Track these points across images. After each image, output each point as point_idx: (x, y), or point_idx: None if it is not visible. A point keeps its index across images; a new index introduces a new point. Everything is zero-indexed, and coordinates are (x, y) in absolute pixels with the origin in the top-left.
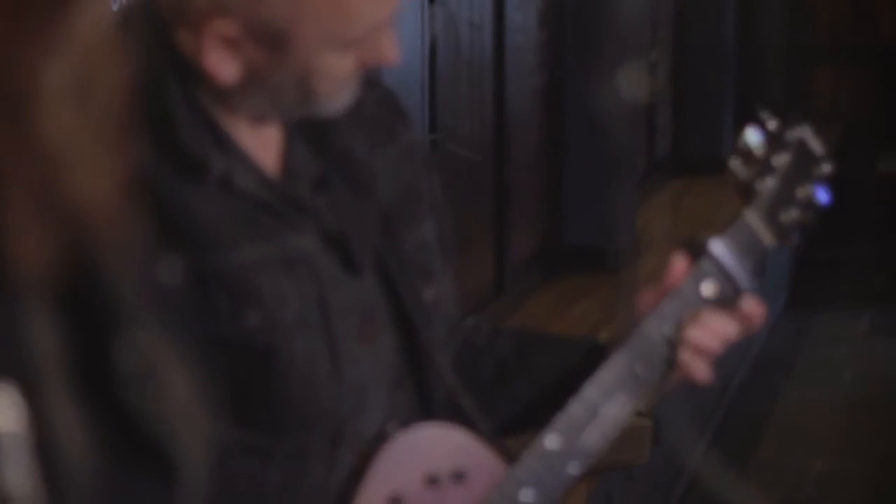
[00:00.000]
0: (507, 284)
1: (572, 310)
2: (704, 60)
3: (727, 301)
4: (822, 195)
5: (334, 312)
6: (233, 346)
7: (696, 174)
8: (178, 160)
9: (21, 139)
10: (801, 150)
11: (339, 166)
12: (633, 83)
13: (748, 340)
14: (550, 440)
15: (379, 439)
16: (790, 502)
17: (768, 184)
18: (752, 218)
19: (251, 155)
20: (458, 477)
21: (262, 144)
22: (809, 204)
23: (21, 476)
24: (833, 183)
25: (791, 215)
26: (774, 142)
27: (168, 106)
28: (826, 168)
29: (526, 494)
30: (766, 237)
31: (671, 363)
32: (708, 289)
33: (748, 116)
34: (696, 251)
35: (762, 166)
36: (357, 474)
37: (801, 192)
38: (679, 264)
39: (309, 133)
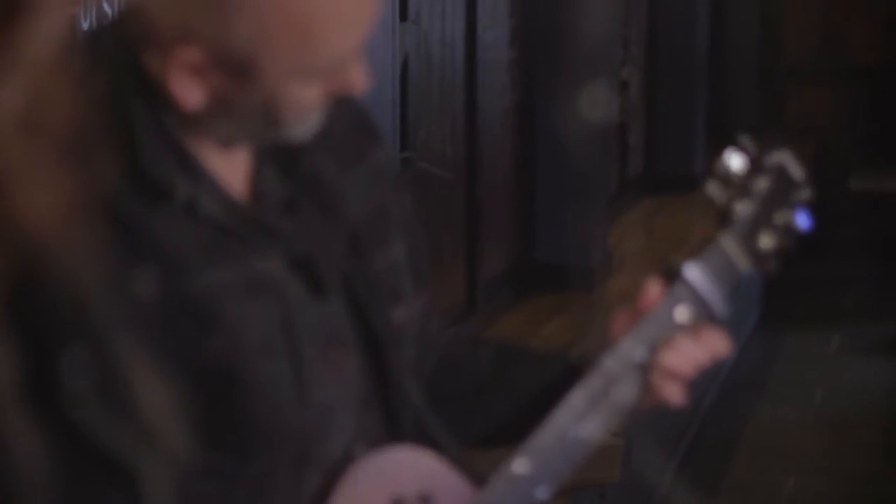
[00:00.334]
0: (478, 302)
1: (544, 328)
2: (676, 79)
3: (701, 326)
4: (802, 220)
5: (300, 336)
6: (195, 370)
7: (667, 192)
8: (142, 184)
9: None
10: (781, 174)
11: (307, 188)
12: (604, 101)
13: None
14: (519, 464)
15: (345, 461)
16: None
17: (745, 208)
18: (728, 243)
19: (219, 178)
20: (425, 500)
21: (231, 168)
22: (788, 229)
23: None
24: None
25: (768, 241)
26: (753, 166)
27: (133, 129)
28: (805, 193)
29: None
30: (742, 263)
31: (643, 387)
32: (681, 314)
33: (720, 135)
34: (671, 275)
35: (740, 190)
36: (323, 496)
37: (779, 218)
38: (653, 288)
39: (278, 155)
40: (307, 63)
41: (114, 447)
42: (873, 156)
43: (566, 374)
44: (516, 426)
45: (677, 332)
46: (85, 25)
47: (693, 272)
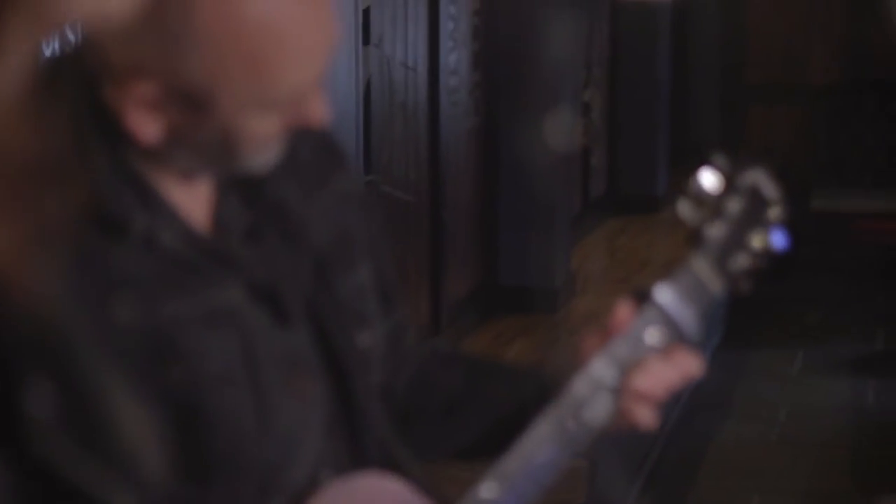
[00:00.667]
0: (442, 324)
1: (508, 349)
2: (638, 100)
3: (672, 347)
4: (779, 240)
5: (262, 365)
6: (156, 402)
7: (630, 213)
8: (100, 217)
9: None
10: (754, 194)
11: (270, 215)
12: (567, 124)
13: None
14: (487, 489)
15: (311, 488)
16: None
17: (718, 229)
18: (700, 264)
19: (179, 210)
20: None
21: (192, 198)
22: (762, 250)
23: None
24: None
25: (741, 262)
26: (726, 185)
27: (91, 161)
28: (780, 213)
29: None
30: (714, 284)
31: (614, 410)
32: (652, 336)
33: (682, 156)
34: (642, 297)
35: (712, 211)
36: None
37: (752, 238)
38: (623, 310)
39: (240, 183)
40: (265, 96)
41: (82, 478)
42: (834, 175)
43: (540, 390)
44: (490, 442)
45: (648, 355)
46: (47, 52)
47: (664, 294)
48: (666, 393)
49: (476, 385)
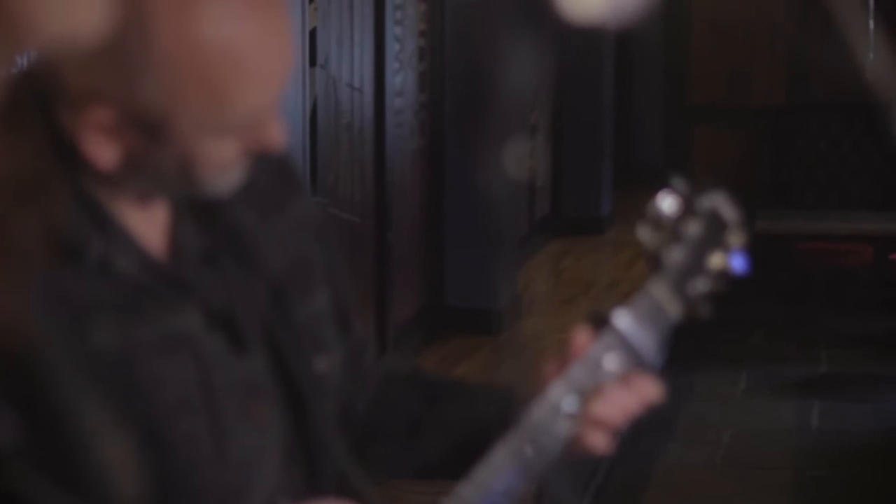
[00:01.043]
0: (388, 346)
1: (454, 371)
2: (583, 122)
3: (631, 373)
4: (738, 263)
5: (218, 392)
6: (116, 428)
7: (575, 234)
8: (55, 242)
9: None
10: (713, 218)
11: (227, 241)
12: (512, 145)
13: None
14: None
15: None
16: None
17: (676, 253)
18: (658, 289)
19: (135, 234)
20: None
21: (148, 223)
22: (721, 273)
23: None
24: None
25: (700, 286)
26: (685, 209)
27: (46, 185)
28: (739, 237)
29: None
30: (673, 309)
31: (571, 436)
32: (611, 362)
33: (625, 177)
34: (600, 323)
35: (671, 235)
36: None
37: (711, 262)
38: (582, 336)
39: (197, 208)
40: (222, 120)
41: None
42: (777, 197)
43: (501, 410)
44: (450, 463)
45: (607, 380)
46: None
47: (623, 320)
48: (624, 419)
49: (437, 406)
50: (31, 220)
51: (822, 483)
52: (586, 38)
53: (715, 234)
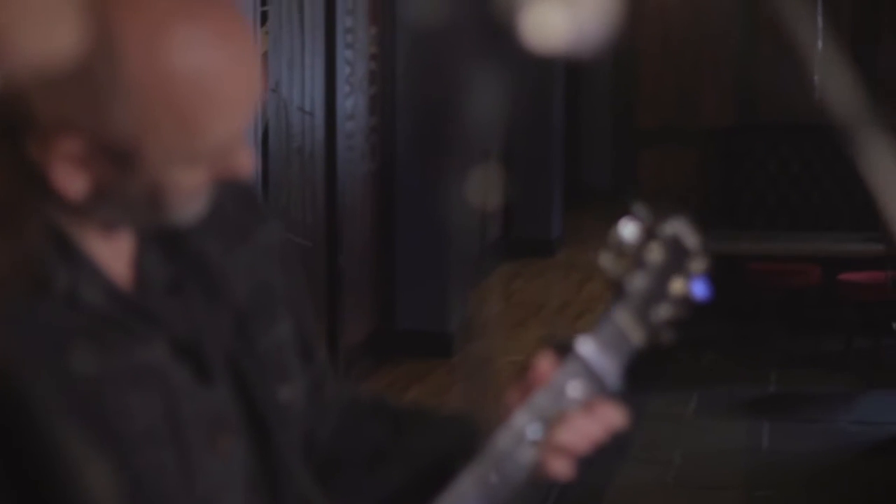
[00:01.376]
0: (339, 370)
1: (406, 395)
2: (532, 144)
3: (595, 400)
4: (699, 290)
5: (184, 423)
6: (78, 461)
7: (525, 257)
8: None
9: None
10: (675, 245)
11: (192, 270)
12: (463, 168)
13: None
14: None
15: None
16: None
17: (639, 281)
18: (621, 316)
19: (101, 264)
20: None
21: (114, 253)
22: (682, 299)
23: None
24: None
25: (662, 312)
26: (647, 236)
27: (12, 215)
28: (700, 263)
29: None
30: (636, 336)
31: (535, 463)
32: (575, 389)
33: (575, 199)
34: (563, 349)
35: (633, 262)
36: None
37: (673, 288)
38: (545, 363)
39: (162, 237)
40: (191, 149)
41: None
42: (727, 218)
43: (466, 439)
44: (415, 492)
45: (571, 407)
46: None
47: (586, 347)
48: (588, 446)
49: (401, 434)
50: (7, 249)
51: (772, 502)
52: (537, 61)
53: (677, 261)
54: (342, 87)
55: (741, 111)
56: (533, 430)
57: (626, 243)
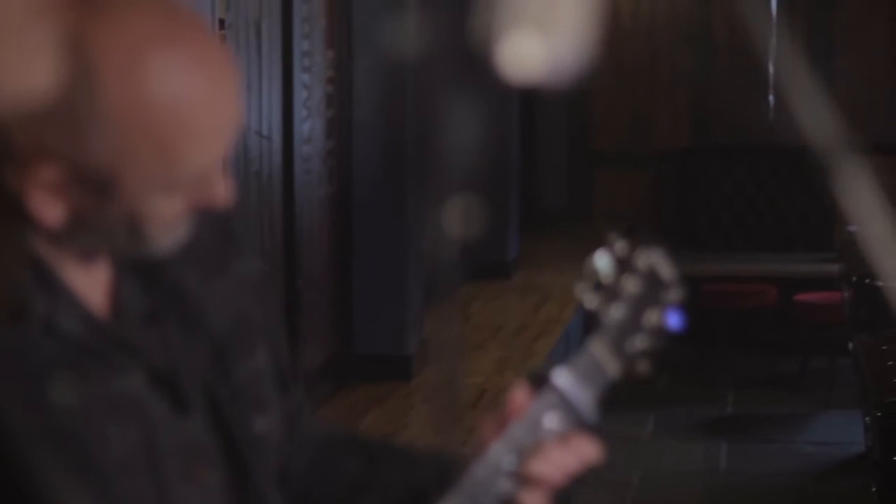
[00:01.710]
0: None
1: (364, 419)
2: (490, 166)
3: (571, 432)
4: (674, 321)
5: (161, 453)
6: (55, 490)
7: (482, 279)
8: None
9: None
10: (651, 275)
11: (170, 300)
12: (419, 191)
13: None
14: None
15: None
16: None
17: (615, 312)
18: (597, 348)
19: (78, 293)
20: None
21: (91, 281)
22: (658, 330)
23: None
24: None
25: (638, 344)
26: (623, 267)
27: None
28: (676, 294)
29: None
30: (612, 367)
31: (511, 495)
32: (550, 420)
33: (531, 221)
34: (539, 381)
35: (609, 293)
36: None
37: (648, 319)
38: (522, 394)
39: (139, 267)
40: (169, 178)
41: None
42: (682, 239)
43: (440, 474)
44: None
45: (546, 439)
46: None
47: (562, 378)
48: (564, 478)
49: (375, 469)
50: None
51: None
52: (494, 85)
53: (652, 292)
54: (299, 111)
55: (695, 133)
56: (509, 462)
57: (602, 274)
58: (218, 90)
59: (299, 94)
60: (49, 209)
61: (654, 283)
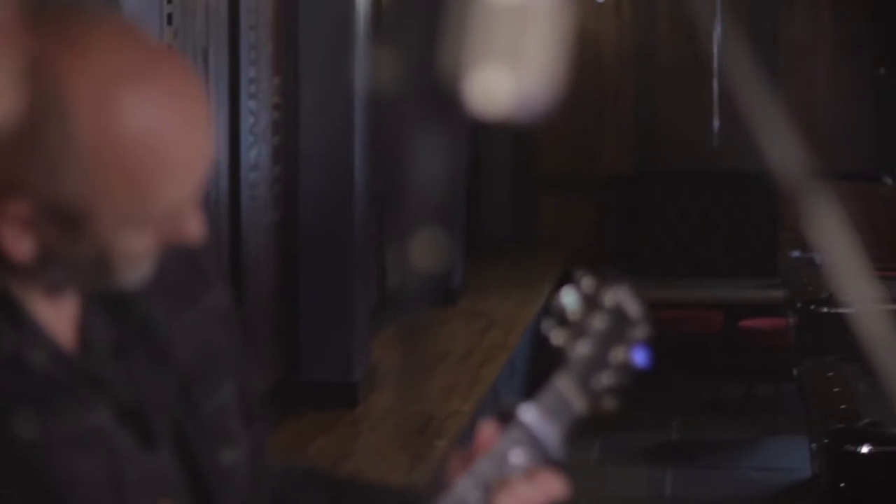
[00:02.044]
0: None
1: (311, 446)
2: (433, 193)
3: (537, 467)
4: (640, 358)
5: (128, 487)
6: None
7: (429, 306)
8: None
9: None
10: (617, 312)
11: (137, 334)
12: (364, 217)
13: None
14: None
15: None
16: None
17: (581, 349)
18: (564, 384)
19: (46, 327)
20: None
21: (58, 314)
22: (624, 367)
23: None
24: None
25: (604, 380)
26: (590, 304)
27: None
28: (642, 331)
29: None
30: (578, 403)
31: None
32: (517, 456)
33: (475, 248)
34: (506, 416)
35: (576, 330)
36: None
37: (615, 356)
38: (488, 430)
39: (107, 300)
40: (141, 213)
41: None
42: (626, 266)
43: None
44: None
45: (513, 474)
46: None
47: (528, 414)
48: None
49: (338, 502)
50: None
51: None
52: (442, 112)
53: (619, 329)
54: (246, 138)
55: (640, 160)
56: (475, 497)
57: (569, 310)
58: (191, 124)
59: (246, 121)
60: (18, 244)
61: (620, 320)
